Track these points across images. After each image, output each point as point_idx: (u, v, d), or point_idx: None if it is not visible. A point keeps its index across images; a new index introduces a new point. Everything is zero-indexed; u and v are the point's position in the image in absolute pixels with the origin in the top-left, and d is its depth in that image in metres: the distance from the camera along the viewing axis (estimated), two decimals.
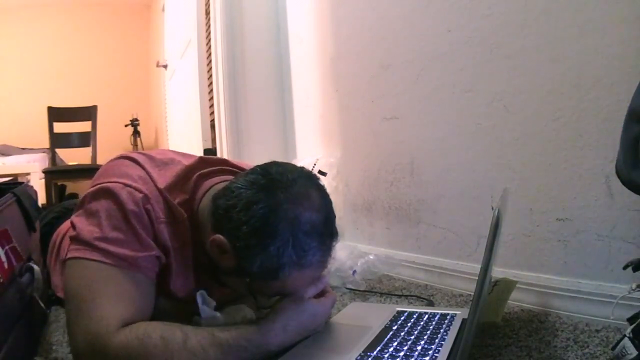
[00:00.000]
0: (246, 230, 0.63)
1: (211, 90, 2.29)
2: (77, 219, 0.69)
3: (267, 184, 0.66)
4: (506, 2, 0.99)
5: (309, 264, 0.66)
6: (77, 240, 0.66)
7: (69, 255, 0.66)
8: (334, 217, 0.71)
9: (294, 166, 0.71)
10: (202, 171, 0.78)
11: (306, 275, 0.68)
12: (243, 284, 0.68)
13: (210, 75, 2.30)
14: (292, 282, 0.67)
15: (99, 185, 0.70)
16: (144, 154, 0.80)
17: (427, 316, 0.79)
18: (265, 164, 0.71)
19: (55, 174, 2.98)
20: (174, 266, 0.74)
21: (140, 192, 0.69)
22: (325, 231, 0.67)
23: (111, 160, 0.79)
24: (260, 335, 0.64)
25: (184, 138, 2.89)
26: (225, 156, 2.02)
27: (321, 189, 0.70)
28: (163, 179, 0.75)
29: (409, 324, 0.76)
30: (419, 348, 0.65)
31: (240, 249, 0.64)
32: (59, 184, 3.09)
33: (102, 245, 0.65)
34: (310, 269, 0.67)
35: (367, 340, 0.69)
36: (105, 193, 0.69)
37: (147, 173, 0.74)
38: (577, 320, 0.83)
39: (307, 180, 0.69)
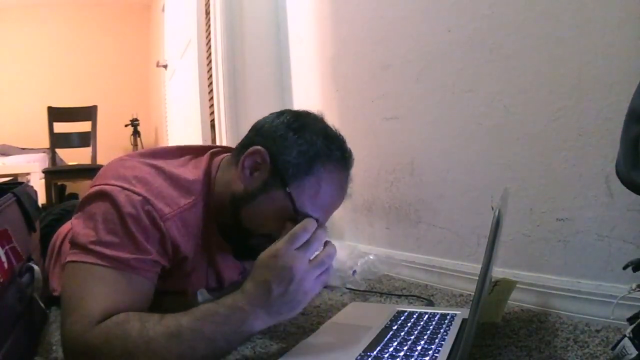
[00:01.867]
0: (281, 128, 0.73)
1: (211, 90, 2.29)
2: (76, 221, 0.69)
3: (282, 111, 0.77)
4: (506, 2, 0.99)
5: (337, 159, 0.72)
6: (74, 244, 0.67)
7: (66, 260, 0.67)
8: None
9: None
10: (213, 150, 0.83)
11: (335, 179, 0.72)
12: (272, 207, 0.71)
13: (210, 75, 2.30)
14: (325, 183, 0.71)
15: (97, 187, 0.70)
16: (144, 150, 0.82)
17: (427, 316, 0.79)
18: None
19: (55, 174, 2.98)
20: (190, 258, 0.75)
21: (139, 194, 0.68)
22: (344, 140, 0.76)
23: (112, 161, 0.79)
24: (234, 301, 0.61)
25: (184, 138, 2.89)
26: None
27: None
28: (171, 165, 0.76)
29: (409, 324, 0.76)
30: (419, 348, 0.65)
31: (277, 142, 0.72)
32: (59, 184, 3.09)
33: (97, 248, 0.65)
34: (339, 172, 0.73)
35: (367, 340, 0.69)
36: (103, 195, 0.69)
37: (151, 165, 0.74)
38: (577, 320, 0.83)
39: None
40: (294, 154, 0.70)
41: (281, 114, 0.76)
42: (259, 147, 0.72)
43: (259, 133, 0.75)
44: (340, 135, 0.77)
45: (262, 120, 0.77)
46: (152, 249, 0.68)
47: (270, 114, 0.78)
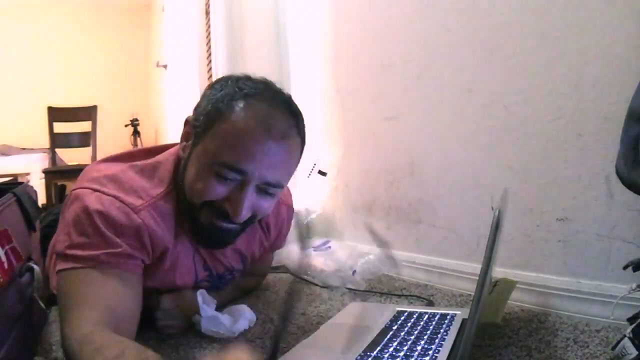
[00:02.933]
0: (205, 90, 0.74)
1: None
2: (57, 233, 0.72)
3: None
4: (506, 2, 0.99)
5: (248, 95, 0.68)
6: (57, 254, 0.69)
7: (56, 269, 0.69)
8: (300, 115, 0.76)
9: None
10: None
11: (247, 113, 0.67)
12: (197, 165, 0.70)
13: (210, 76, 2.30)
14: (237, 120, 0.67)
15: (72, 192, 0.73)
16: (122, 153, 0.84)
17: (427, 316, 0.79)
18: None
19: (55, 174, 2.98)
20: (170, 248, 0.75)
21: (108, 194, 0.70)
22: (285, 97, 0.74)
23: (88, 166, 0.82)
24: None
25: None
26: None
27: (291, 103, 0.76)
28: (144, 159, 0.79)
29: (409, 324, 0.76)
30: (419, 348, 0.65)
31: (197, 106, 0.73)
32: (59, 184, 3.08)
33: (72, 252, 0.66)
34: (251, 105, 0.68)
35: (367, 340, 0.69)
36: (75, 199, 0.71)
37: (124, 162, 0.77)
38: (577, 320, 0.83)
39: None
40: (204, 104, 0.71)
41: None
42: (187, 117, 0.75)
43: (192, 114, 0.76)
44: (263, 80, 0.74)
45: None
46: (123, 243, 0.68)
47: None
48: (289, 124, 0.71)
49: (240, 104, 0.68)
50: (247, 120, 0.67)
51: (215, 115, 0.68)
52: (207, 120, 0.69)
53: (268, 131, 0.67)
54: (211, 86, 0.75)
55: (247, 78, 0.73)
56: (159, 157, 0.79)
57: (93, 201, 0.68)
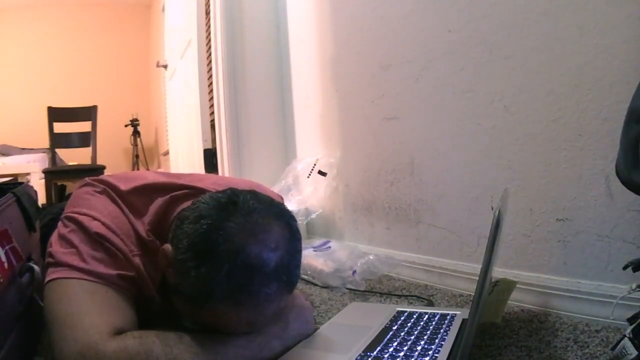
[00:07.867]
0: (186, 243, 0.60)
1: (211, 91, 2.29)
2: (53, 247, 0.70)
3: (226, 203, 0.62)
4: (506, 2, 0.99)
5: (243, 303, 0.58)
6: (55, 264, 0.67)
7: (47, 279, 0.66)
8: (296, 265, 0.63)
9: (272, 200, 0.66)
10: (174, 194, 0.76)
11: (242, 318, 0.60)
12: (181, 305, 0.65)
13: (210, 76, 2.30)
14: (225, 318, 0.60)
15: (68, 214, 0.72)
16: (111, 183, 0.78)
17: (427, 316, 0.79)
18: (244, 189, 0.67)
19: (55, 174, 2.99)
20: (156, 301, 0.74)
21: (108, 227, 0.70)
22: (275, 275, 0.59)
23: (81, 187, 0.80)
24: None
25: (184, 138, 2.89)
26: (225, 157, 2.02)
27: (290, 231, 0.63)
28: (137, 214, 0.75)
29: (409, 324, 0.76)
30: (419, 348, 0.65)
31: (177, 262, 0.61)
32: (59, 184, 3.09)
33: (81, 264, 0.65)
34: (246, 311, 0.59)
35: (367, 340, 0.69)
36: (74, 222, 0.70)
37: (120, 208, 0.75)
38: (577, 320, 0.83)
39: (275, 215, 0.63)
40: (188, 284, 0.60)
41: (204, 216, 0.60)
42: (168, 249, 0.64)
43: (177, 229, 0.64)
44: (265, 267, 0.58)
45: (192, 210, 0.64)
46: (130, 265, 0.69)
47: (211, 197, 0.65)
48: (282, 299, 0.63)
49: (247, 295, 0.58)
50: (253, 310, 0.61)
51: (201, 305, 0.60)
52: (190, 301, 0.61)
53: (264, 315, 0.63)
54: (198, 252, 0.59)
55: (249, 264, 0.58)
56: (141, 227, 0.74)
57: (95, 226, 0.69)
